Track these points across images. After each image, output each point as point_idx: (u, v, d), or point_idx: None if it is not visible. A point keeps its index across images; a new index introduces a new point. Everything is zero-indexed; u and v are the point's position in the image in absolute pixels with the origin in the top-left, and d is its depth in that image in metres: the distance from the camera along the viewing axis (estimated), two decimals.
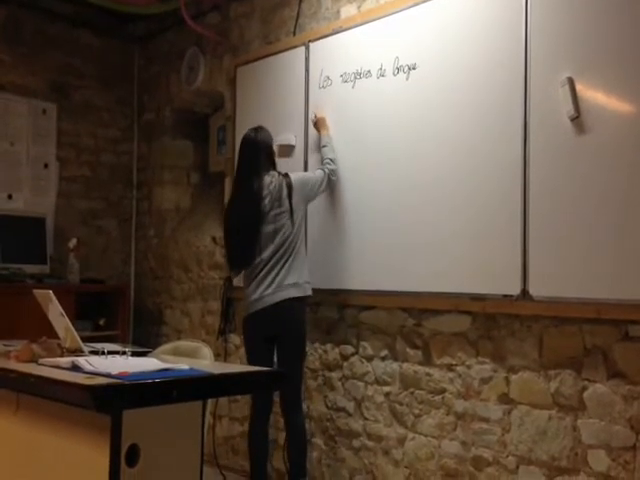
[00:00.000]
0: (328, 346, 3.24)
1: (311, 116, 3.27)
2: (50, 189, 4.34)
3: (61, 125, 4.39)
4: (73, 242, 4.18)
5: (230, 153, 3.90)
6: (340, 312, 3.20)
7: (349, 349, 3.17)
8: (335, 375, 3.22)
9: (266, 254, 2.88)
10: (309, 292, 2.94)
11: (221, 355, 3.82)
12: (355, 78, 3.15)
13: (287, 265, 2.87)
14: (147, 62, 4.72)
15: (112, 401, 1.40)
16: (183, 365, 1.70)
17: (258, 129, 3.06)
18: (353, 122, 3.13)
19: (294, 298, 2.86)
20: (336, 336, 3.22)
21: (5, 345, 2.34)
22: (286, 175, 2.96)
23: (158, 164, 4.61)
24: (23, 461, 1.87)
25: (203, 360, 2.16)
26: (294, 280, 2.87)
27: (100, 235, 4.60)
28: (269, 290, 2.84)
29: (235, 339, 3.84)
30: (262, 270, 2.88)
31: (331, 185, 3.10)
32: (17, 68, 4.20)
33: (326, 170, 3.05)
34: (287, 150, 3.43)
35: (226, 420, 3.85)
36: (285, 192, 2.89)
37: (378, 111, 3.03)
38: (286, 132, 3.44)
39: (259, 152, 2.96)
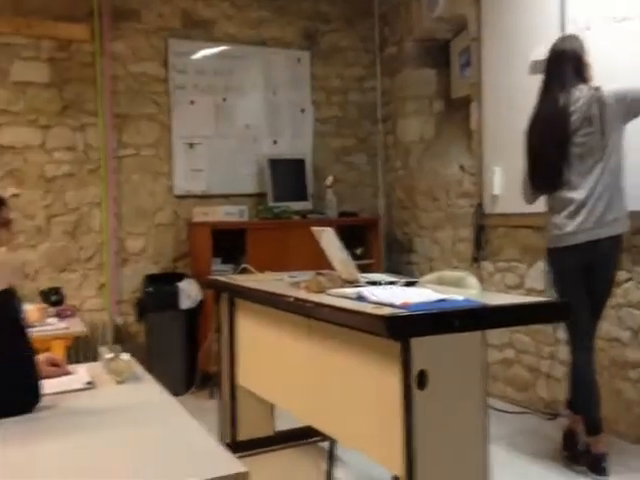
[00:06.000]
0: None
1: None
2: (307, 132, 4.71)
3: (313, 70, 4.69)
4: (330, 179, 4.51)
5: (476, 77, 3.78)
6: None
7: (623, 275, 2.94)
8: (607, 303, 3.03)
9: (576, 181, 2.61)
10: (627, 228, 2.64)
11: None
12: None
13: (605, 197, 2.57)
14: None
15: (402, 329, 1.53)
16: (458, 296, 1.77)
17: (566, 38, 2.77)
18: None
19: (614, 236, 2.60)
20: None
21: (291, 277, 2.67)
22: (597, 89, 2.60)
23: (401, 96, 4.67)
24: (317, 378, 2.15)
25: (470, 289, 2.21)
26: (614, 215, 2.58)
27: (351, 170, 4.88)
28: (587, 224, 2.58)
29: (488, 266, 3.83)
30: (574, 200, 2.61)
31: None
32: (275, 22, 4.56)
33: None
34: (542, 65, 3.20)
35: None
36: (596, 109, 2.55)
37: None
38: (539, 46, 3.19)
39: (565, 63, 2.64)
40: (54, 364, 1.74)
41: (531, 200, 2.83)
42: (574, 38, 2.73)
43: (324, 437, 2.92)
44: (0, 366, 1.37)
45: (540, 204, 2.81)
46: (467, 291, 2.16)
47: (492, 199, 3.68)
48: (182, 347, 4.02)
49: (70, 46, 4.00)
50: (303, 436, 3.02)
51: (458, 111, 4.35)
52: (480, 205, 3.80)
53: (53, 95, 3.97)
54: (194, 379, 4.02)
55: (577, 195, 2.61)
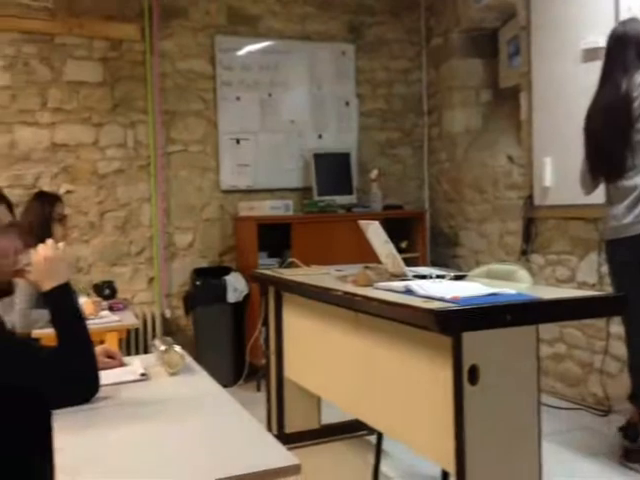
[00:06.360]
0: None
1: None
2: (352, 125, 4.70)
3: (358, 64, 4.68)
4: (374, 173, 4.49)
5: (526, 66, 3.70)
6: None
7: None
8: None
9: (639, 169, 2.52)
10: None
11: None
12: None
13: None
14: None
15: (453, 324, 1.52)
16: (509, 289, 1.74)
17: (627, 21, 2.69)
18: None
19: None
20: None
21: (337, 270, 2.67)
22: None
23: (447, 87, 4.61)
24: (365, 372, 2.15)
25: (521, 284, 2.16)
26: None
27: (396, 163, 4.85)
28: None
29: (538, 259, 3.75)
30: (636, 188, 2.53)
31: None
32: (320, 16, 4.57)
33: None
34: (594, 53, 3.11)
35: None
36: None
37: None
38: (592, 34, 3.10)
39: (627, 47, 2.57)
40: (110, 356, 1.79)
41: (590, 190, 2.74)
42: (635, 21, 2.64)
43: (370, 430, 2.92)
44: (63, 357, 1.42)
45: (592, 196, 2.73)
46: (518, 285, 2.12)
47: (542, 191, 3.60)
48: (229, 340, 4.08)
49: (121, 45, 4.10)
50: (349, 429, 3.03)
51: (506, 101, 4.27)
52: (530, 197, 3.72)
53: (105, 93, 4.07)
54: (241, 371, 4.08)
55: (639, 183, 2.52)
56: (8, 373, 1.34)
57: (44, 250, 1.49)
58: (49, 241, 1.52)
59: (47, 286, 1.47)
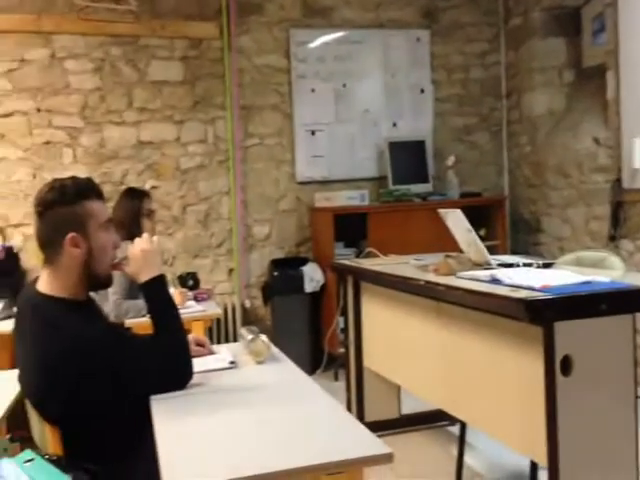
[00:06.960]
0: None
1: None
2: (427, 112, 4.62)
3: (433, 49, 4.60)
4: (451, 159, 4.40)
5: (612, 44, 3.51)
6: None
7: None
8: None
9: None
10: None
11: None
12: None
13: None
14: None
15: (544, 313, 1.48)
16: (603, 277, 1.67)
17: None
18: None
19: None
20: None
21: (417, 260, 2.65)
22: None
23: (527, 68, 4.45)
24: (448, 361, 2.13)
25: (612, 271, 2.07)
26: None
27: (473, 149, 4.74)
28: None
29: (627, 245, 3.57)
30: None
31: None
32: (394, 3, 4.51)
33: None
34: None
35: None
36: None
37: None
38: None
39: None
40: (199, 344, 1.86)
41: None
42: None
43: (452, 421, 2.90)
44: (160, 345, 1.49)
45: None
46: (610, 272, 2.04)
47: (632, 173, 3.42)
48: (307, 329, 4.13)
49: (200, 44, 4.20)
50: (430, 419, 3.02)
51: (591, 81, 4.08)
52: (618, 180, 3.55)
53: (186, 92, 4.20)
54: (319, 361, 4.13)
55: None
56: (111, 361, 1.42)
57: (141, 243, 1.56)
58: (145, 235, 1.60)
59: (144, 278, 1.55)
